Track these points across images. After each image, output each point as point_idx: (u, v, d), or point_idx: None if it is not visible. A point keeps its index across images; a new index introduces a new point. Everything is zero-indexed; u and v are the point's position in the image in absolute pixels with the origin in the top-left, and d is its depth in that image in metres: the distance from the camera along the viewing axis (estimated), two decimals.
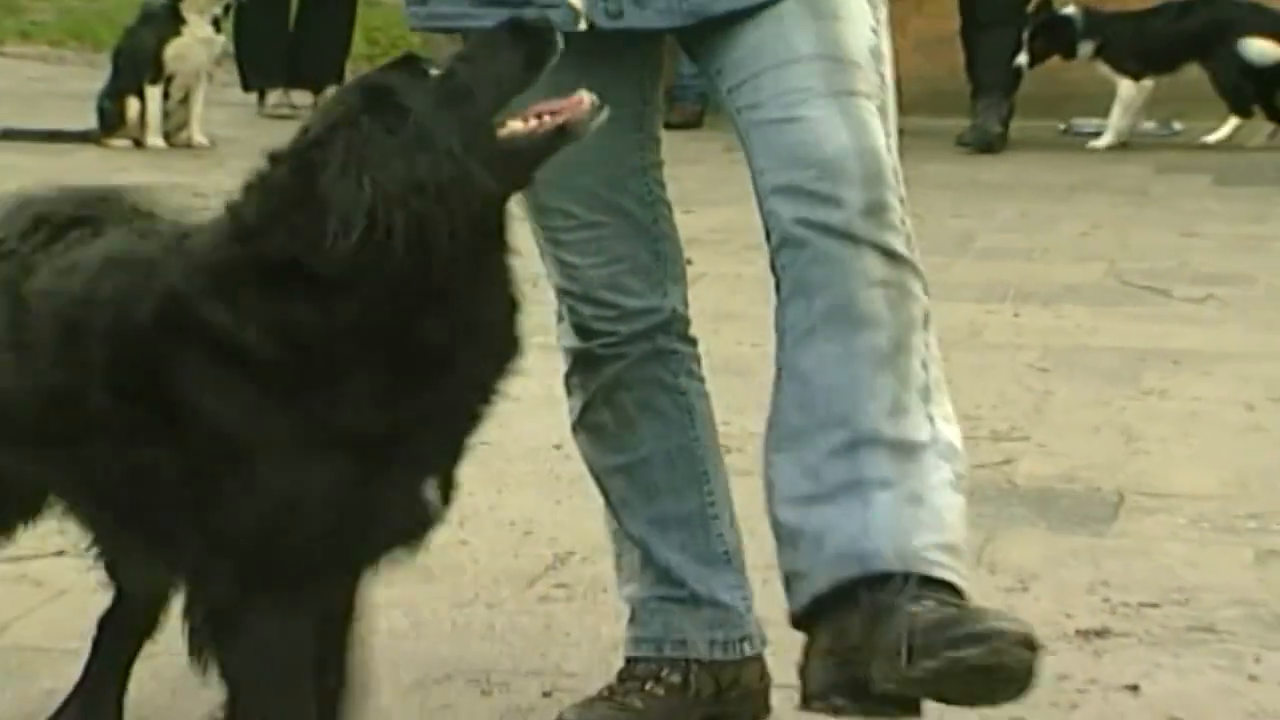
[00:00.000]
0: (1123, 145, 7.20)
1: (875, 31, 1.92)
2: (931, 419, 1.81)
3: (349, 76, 7.78)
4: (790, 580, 1.80)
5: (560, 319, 2.00)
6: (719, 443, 2.06)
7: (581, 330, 1.97)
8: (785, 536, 1.81)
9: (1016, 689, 1.64)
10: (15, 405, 1.70)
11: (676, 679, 1.98)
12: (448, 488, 1.72)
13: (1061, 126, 7.60)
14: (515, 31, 1.67)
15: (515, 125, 1.61)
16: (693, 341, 2.03)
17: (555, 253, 1.97)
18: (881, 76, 1.90)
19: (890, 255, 1.78)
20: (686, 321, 2.02)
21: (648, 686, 2.01)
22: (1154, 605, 2.41)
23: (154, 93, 6.97)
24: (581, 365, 1.99)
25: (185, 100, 7.13)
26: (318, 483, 1.59)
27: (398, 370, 1.59)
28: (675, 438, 2.00)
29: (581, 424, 2.02)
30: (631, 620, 2.04)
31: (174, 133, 7.08)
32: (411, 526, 1.71)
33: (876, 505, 1.75)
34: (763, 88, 1.84)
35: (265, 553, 1.62)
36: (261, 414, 1.59)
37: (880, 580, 1.71)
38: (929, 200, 5.57)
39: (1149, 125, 7.39)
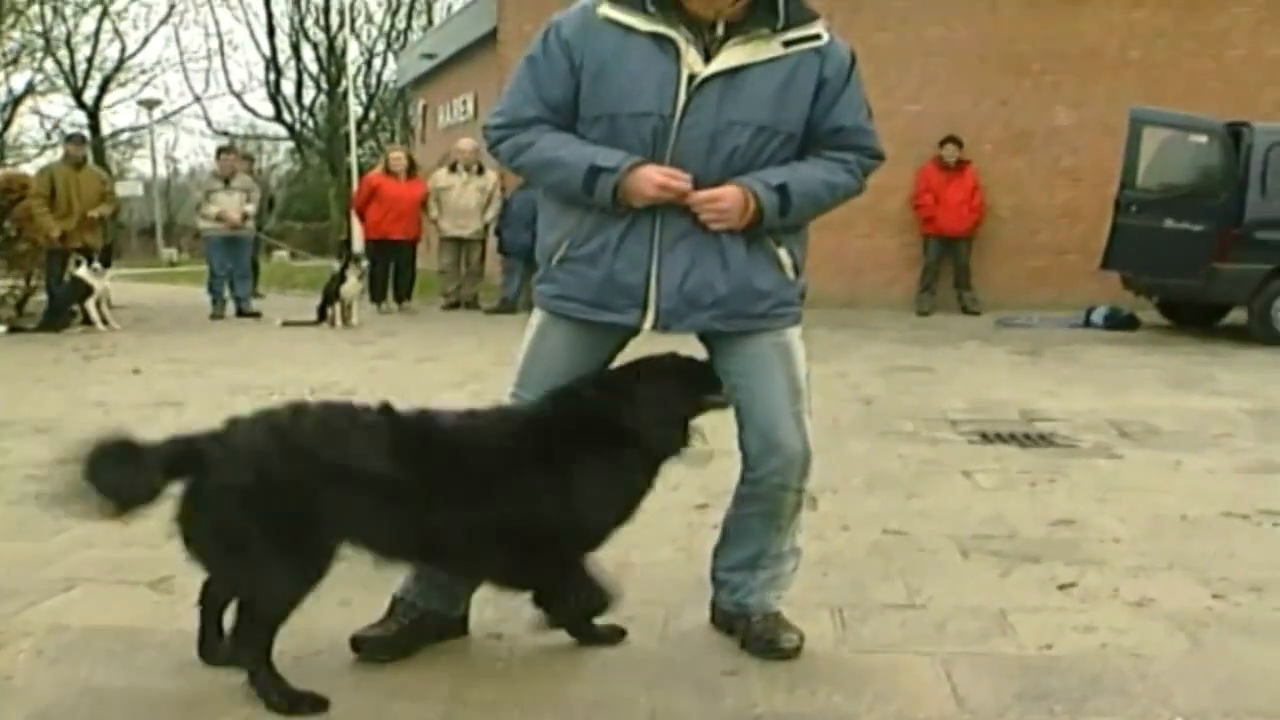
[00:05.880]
0: None
1: (801, 366, 2.65)
2: (794, 539, 2.85)
3: (414, 298, 12.93)
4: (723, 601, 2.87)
5: None
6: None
7: None
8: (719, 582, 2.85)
9: (781, 657, 2.72)
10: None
11: (406, 620, 2.81)
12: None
13: None
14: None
15: None
16: None
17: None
18: (807, 392, 2.66)
19: (799, 491, 2.73)
20: None
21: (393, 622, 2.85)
22: None
23: (338, 305, 11.45)
24: None
25: (349, 307, 11.43)
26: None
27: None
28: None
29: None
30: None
31: (346, 320, 11.32)
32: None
33: (758, 580, 2.82)
34: (752, 396, 2.62)
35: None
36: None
37: (750, 616, 2.83)
38: None
39: None
